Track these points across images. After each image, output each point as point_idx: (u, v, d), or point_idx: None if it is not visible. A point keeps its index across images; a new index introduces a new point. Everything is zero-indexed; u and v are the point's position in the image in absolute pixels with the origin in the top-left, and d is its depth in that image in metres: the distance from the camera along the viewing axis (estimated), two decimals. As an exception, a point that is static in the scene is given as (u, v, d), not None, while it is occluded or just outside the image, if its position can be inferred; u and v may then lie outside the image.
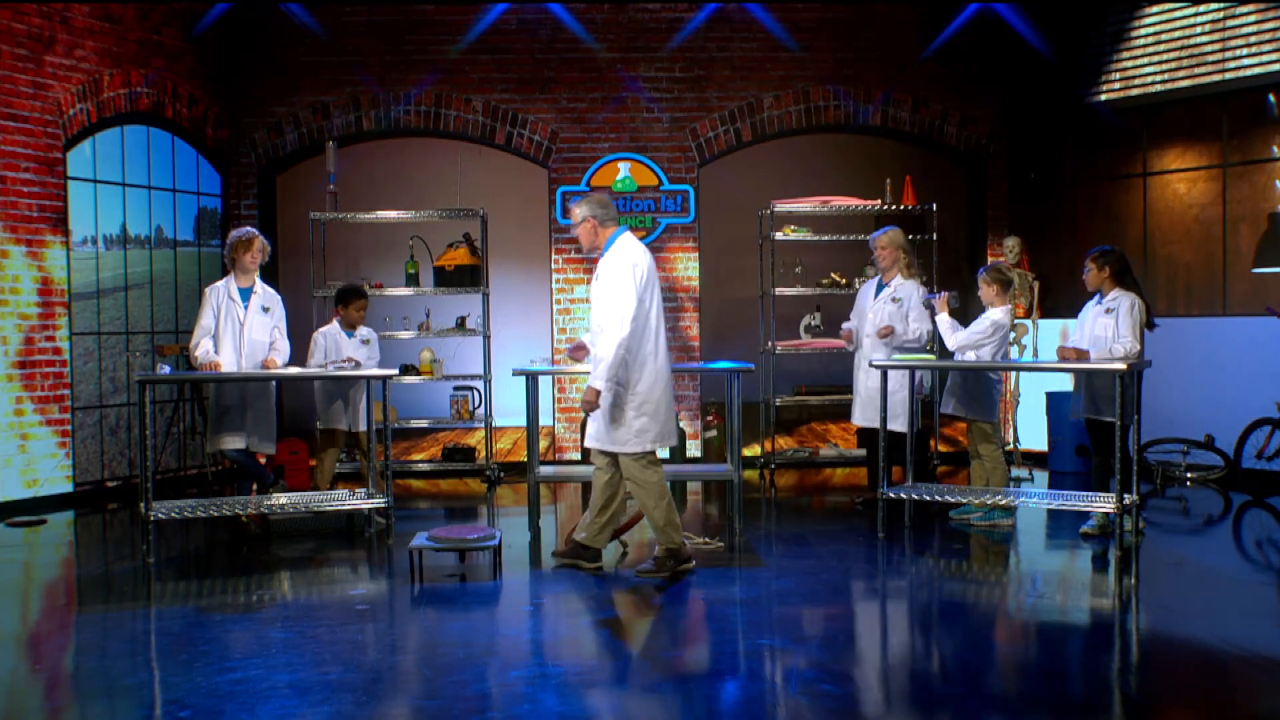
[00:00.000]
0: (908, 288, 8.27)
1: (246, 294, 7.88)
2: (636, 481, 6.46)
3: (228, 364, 7.71)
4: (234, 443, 7.82)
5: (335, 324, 8.63)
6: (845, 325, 8.59)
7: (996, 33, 11.08)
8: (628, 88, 11.13)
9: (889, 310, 8.22)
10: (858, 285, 10.31)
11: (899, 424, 8.08)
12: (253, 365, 7.77)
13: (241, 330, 7.78)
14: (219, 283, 7.95)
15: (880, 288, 8.38)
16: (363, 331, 8.66)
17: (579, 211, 6.52)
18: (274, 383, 8.17)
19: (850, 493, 9.70)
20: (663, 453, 10.65)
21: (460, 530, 6.82)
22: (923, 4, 11.21)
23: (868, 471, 8.69)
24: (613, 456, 6.52)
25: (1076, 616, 5.95)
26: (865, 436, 8.70)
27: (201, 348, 7.70)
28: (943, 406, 8.16)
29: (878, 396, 7.73)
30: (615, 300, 6.26)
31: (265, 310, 7.90)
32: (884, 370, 7.71)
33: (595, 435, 6.52)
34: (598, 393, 6.29)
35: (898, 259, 8.30)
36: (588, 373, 8.42)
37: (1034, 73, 11.11)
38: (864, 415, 8.43)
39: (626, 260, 6.32)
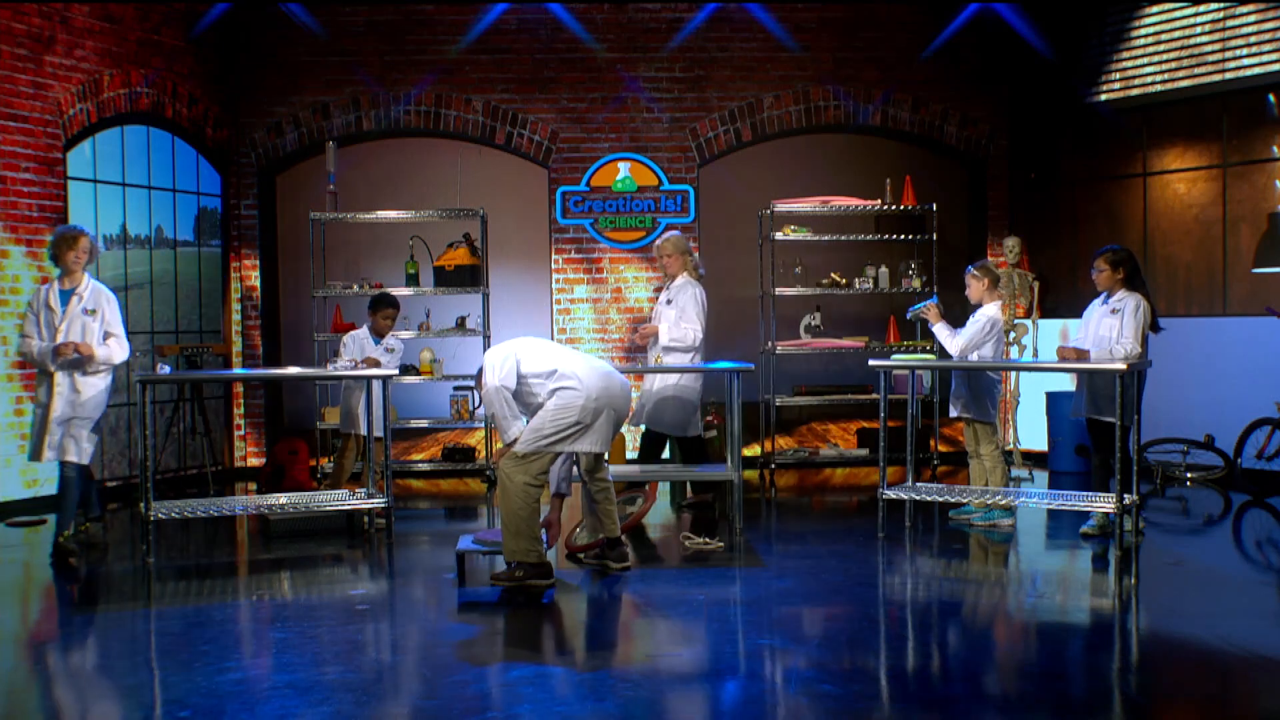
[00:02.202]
0: (688, 287, 8.31)
1: (67, 296, 7.23)
2: (500, 473, 6.25)
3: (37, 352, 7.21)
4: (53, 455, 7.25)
5: (365, 329, 8.65)
6: (642, 326, 8.70)
7: (996, 32, 11.08)
8: (628, 88, 11.13)
9: (666, 312, 8.29)
10: (858, 285, 10.32)
11: (671, 428, 8.22)
12: (70, 373, 7.16)
13: (55, 338, 7.15)
14: (43, 285, 7.42)
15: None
16: (389, 340, 8.67)
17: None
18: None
19: (851, 493, 9.71)
20: (663, 453, 10.69)
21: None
22: (923, 4, 11.21)
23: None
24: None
25: (1076, 616, 5.95)
26: (650, 439, 8.59)
27: (35, 352, 7.20)
28: (950, 409, 8.14)
29: (656, 396, 8.00)
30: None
31: (89, 313, 7.25)
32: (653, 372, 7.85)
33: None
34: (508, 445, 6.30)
35: (684, 263, 8.33)
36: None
37: (1034, 73, 11.11)
38: (651, 418, 8.42)
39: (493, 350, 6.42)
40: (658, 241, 8.47)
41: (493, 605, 6.09)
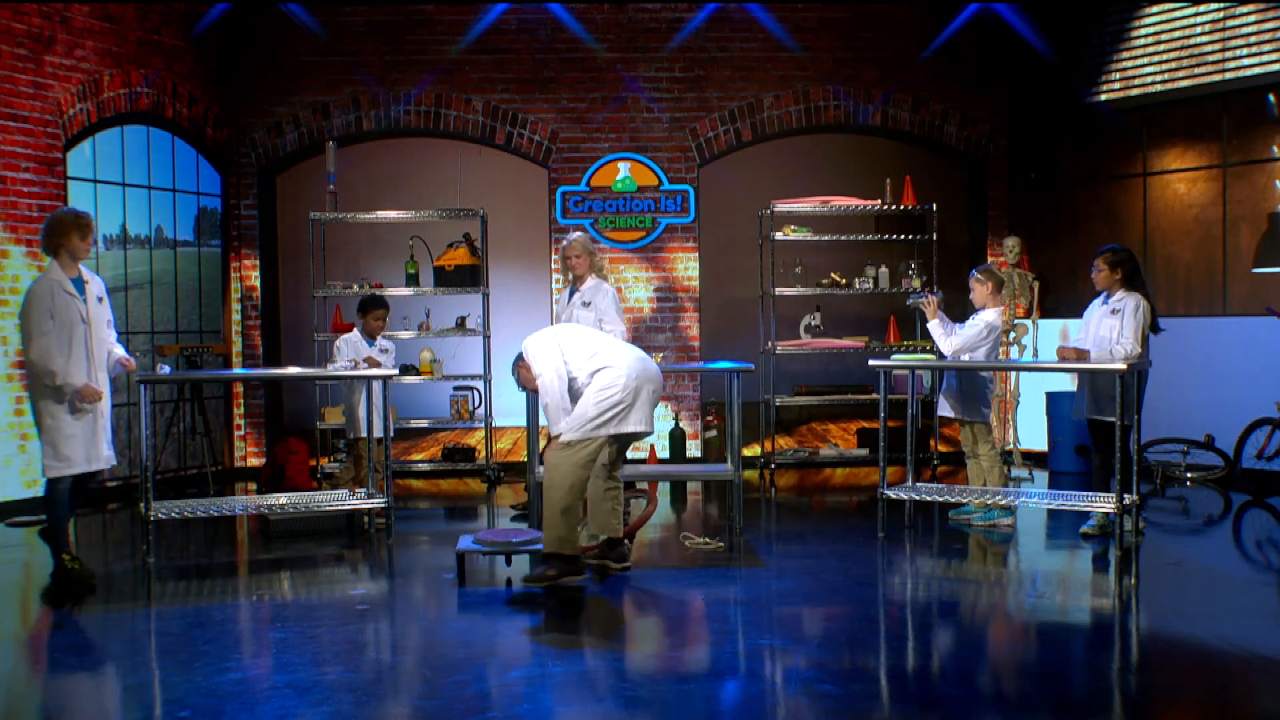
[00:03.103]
0: (603, 288, 8.24)
1: (80, 286, 6.58)
2: (546, 462, 6.30)
3: (79, 378, 6.45)
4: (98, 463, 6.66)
5: (356, 332, 8.63)
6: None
7: (996, 32, 11.08)
8: (628, 88, 11.13)
9: (583, 315, 8.12)
10: (858, 285, 10.32)
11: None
12: (105, 372, 6.66)
13: (89, 332, 6.53)
14: (40, 282, 6.51)
15: (572, 292, 8.26)
16: (382, 342, 8.64)
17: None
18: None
19: (850, 493, 9.71)
20: (663, 453, 10.71)
21: (506, 534, 6.79)
22: (923, 4, 11.21)
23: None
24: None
25: (1076, 616, 5.95)
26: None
27: (58, 364, 6.36)
28: (939, 408, 8.16)
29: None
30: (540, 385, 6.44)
31: (100, 301, 6.70)
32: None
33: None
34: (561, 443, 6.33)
35: (593, 263, 8.22)
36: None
37: (1034, 73, 11.11)
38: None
39: (532, 355, 6.41)
40: (565, 242, 8.30)
41: (493, 605, 6.09)
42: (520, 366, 6.56)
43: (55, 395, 6.41)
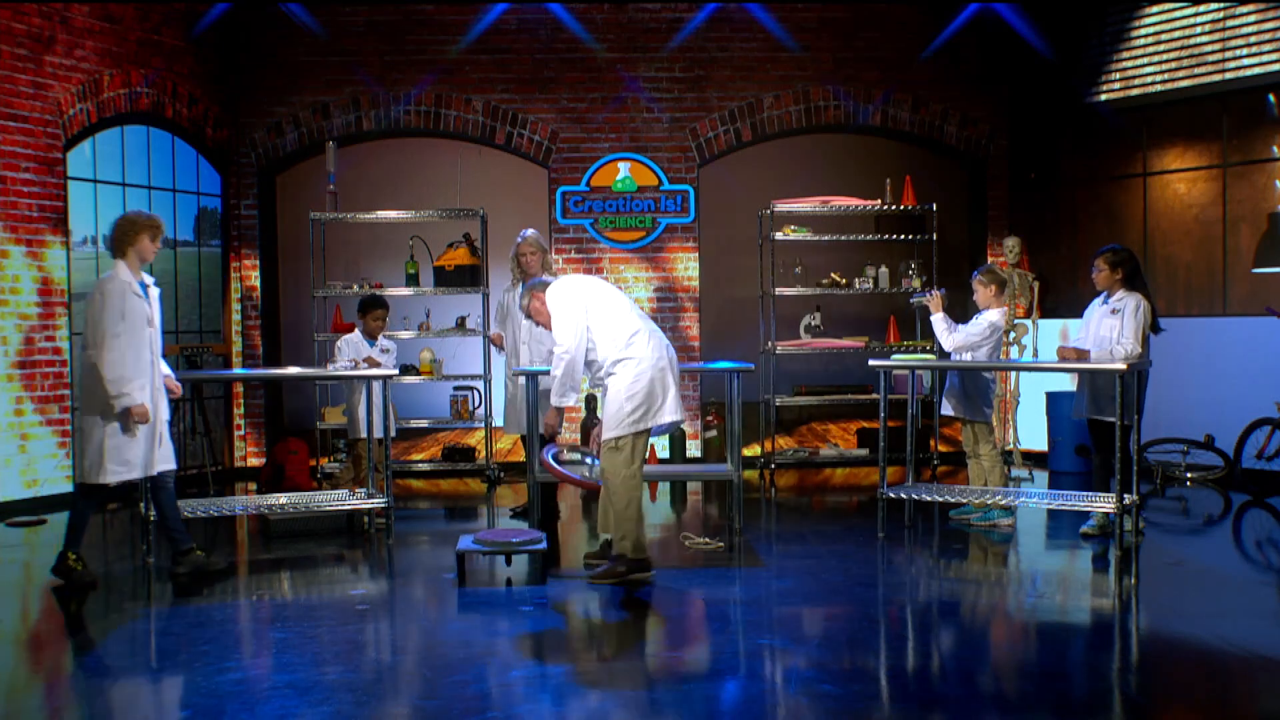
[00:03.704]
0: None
1: (145, 289, 6.55)
2: (604, 470, 6.33)
3: (142, 394, 6.39)
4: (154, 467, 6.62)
5: (357, 332, 8.63)
6: (493, 330, 8.61)
7: (996, 32, 11.08)
8: (628, 88, 11.13)
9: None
10: (858, 285, 10.32)
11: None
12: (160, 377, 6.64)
13: (154, 336, 6.53)
14: (111, 281, 6.40)
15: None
16: (383, 341, 8.64)
17: (527, 306, 6.62)
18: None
19: (850, 493, 9.71)
20: (663, 453, 10.70)
21: (506, 534, 6.79)
22: (923, 4, 11.21)
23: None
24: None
25: (1076, 616, 5.95)
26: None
27: (131, 388, 6.30)
28: (941, 408, 8.16)
29: (522, 407, 7.83)
30: (556, 334, 6.42)
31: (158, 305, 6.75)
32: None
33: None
34: (553, 410, 6.50)
35: (545, 261, 8.18)
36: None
37: (1034, 73, 11.11)
38: (516, 424, 8.23)
39: (557, 299, 6.42)
40: (521, 240, 8.22)
41: (493, 605, 6.09)
42: (535, 297, 6.52)
43: (123, 400, 6.35)
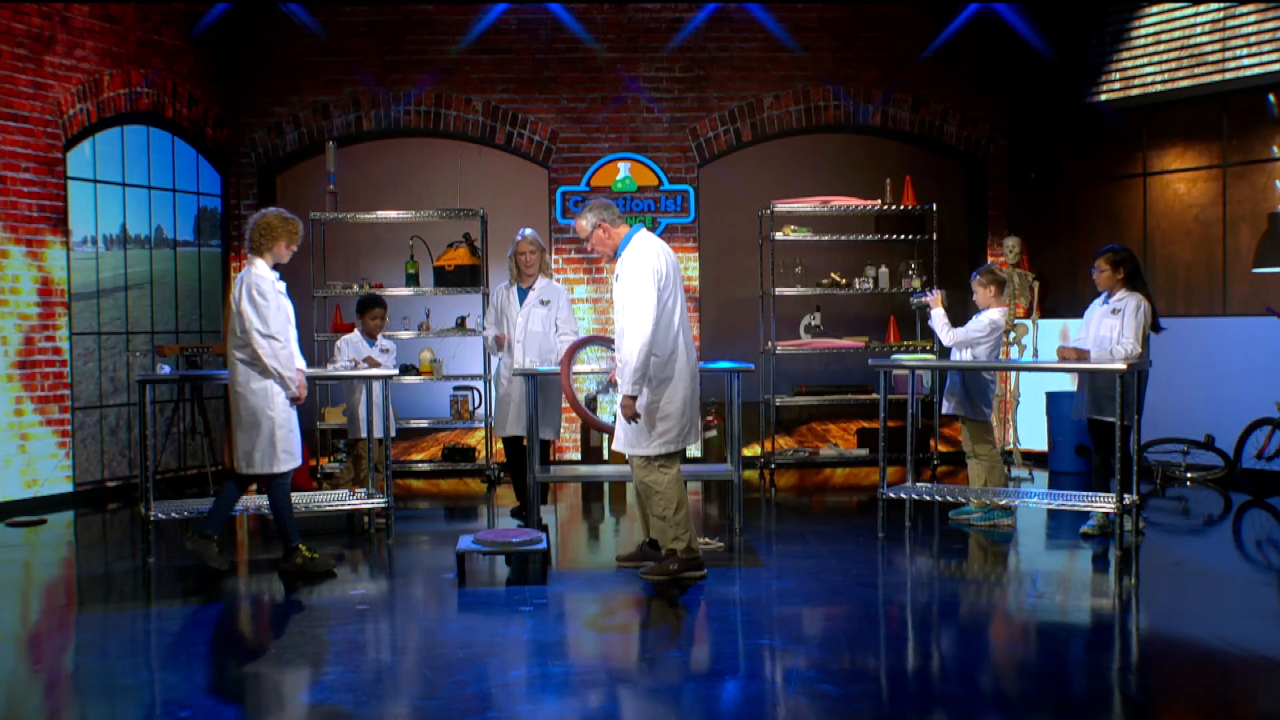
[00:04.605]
0: (560, 288, 8.23)
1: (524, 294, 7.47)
2: (645, 483, 6.30)
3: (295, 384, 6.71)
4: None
5: (357, 332, 8.62)
6: (491, 331, 8.30)
7: (996, 32, 11.08)
8: (628, 88, 11.13)
9: (540, 314, 8.06)
10: (858, 285, 10.32)
11: (547, 430, 8.01)
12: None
13: (290, 332, 6.83)
14: (260, 276, 6.89)
15: (522, 294, 8.13)
16: (383, 341, 8.64)
17: (586, 222, 6.35)
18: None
19: (850, 493, 9.71)
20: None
21: (506, 534, 6.79)
22: (923, 4, 11.21)
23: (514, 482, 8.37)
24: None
25: (1076, 616, 5.95)
26: (514, 447, 8.27)
27: (293, 370, 6.65)
28: (943, 407, 8.17)
29: (524, 404, 7.75)
30: (636, 303, 6.12)
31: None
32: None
33: (625, 440, 6.34)
34: (634, 399, 6.15)
35: (542, 261, 8.11)
36: (589, 372, 8.45)
37: (1034, 73, 11.11)
38: (517, 425, 8.08)
39: (645, 260, 6.17)
40: (520, 239, 8.13)
41: (493, 605, 6.09)
42: (603, 226, 6.31)
43: (283, 391, 6.58)
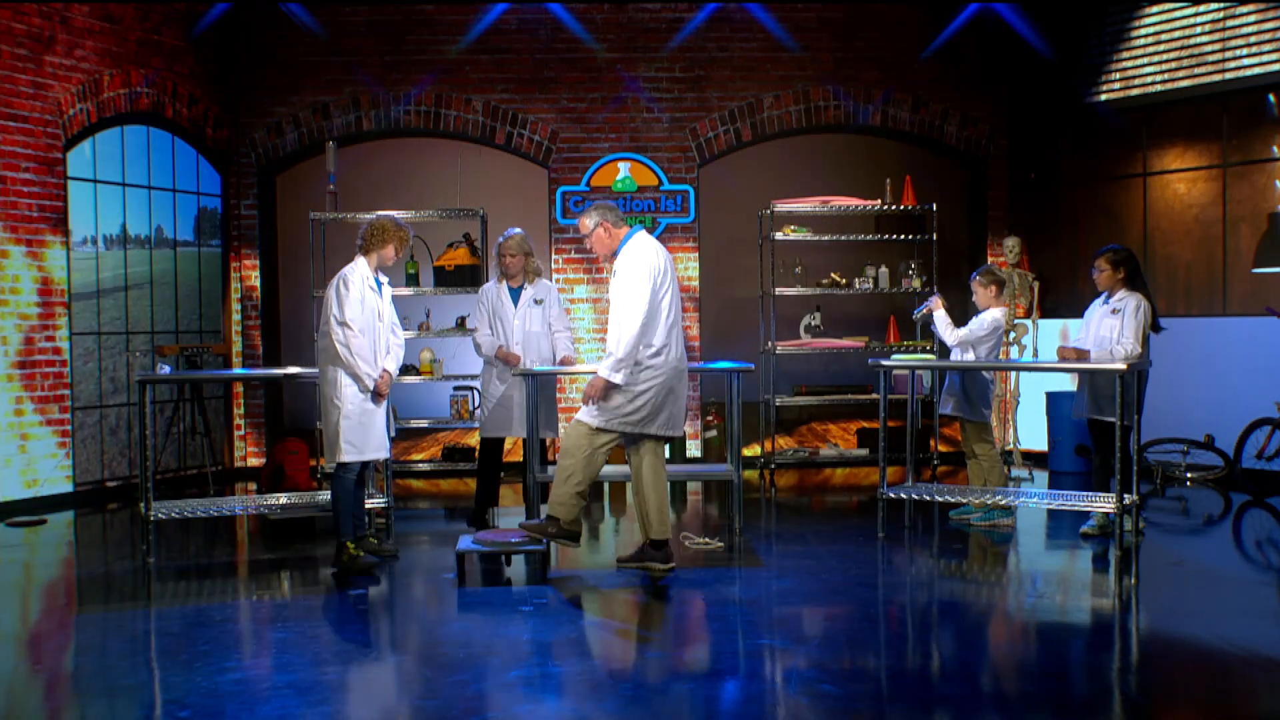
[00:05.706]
0: (553, 288, 8.18)
1: (377, 284, 6.96)
2: (566, 446, 6.27)
3: (377, 371, 6.84)
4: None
5: None
6: (487, 337, 8.12)
7: (996, 32, 11.08)
8: (628, 88, 11.13)
9: (536, 313, 8.00)
10: (858, 285, 10.32)
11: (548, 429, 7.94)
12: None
13: (381, 329, 6.91)
14: (353, 271, 6.84)
15: (514, 294, 8.04)
16: None
17: (589, 220, 6.46)
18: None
19: (850, 493, 9.70)
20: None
21: (506, 534, 6.78)
22: (923, 4, 11.21)
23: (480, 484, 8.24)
24: (635, 445, 6.38)
25: (1076, 616, 5.95)
26: (490, 448, 8.23)
27: (365, 370, 6.73)
28: (941, 407, 8.17)
29: (523, 406, 7.70)
30: (629, 296, 6.25)
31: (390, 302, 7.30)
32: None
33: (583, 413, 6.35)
34: (605, 383, 6.21)
35: (527, 263, 8.03)
36: (590, 372, 8.41)
37: (1034, 73, 11.11)
38: (520, 425, 7.98)
39: (643, 257, 6.31)
40: (504, 240, 8.02)
41: (493, 605, 6.09)
42: (605, 226, 6.43)
43: (358, 384, 6.70)
